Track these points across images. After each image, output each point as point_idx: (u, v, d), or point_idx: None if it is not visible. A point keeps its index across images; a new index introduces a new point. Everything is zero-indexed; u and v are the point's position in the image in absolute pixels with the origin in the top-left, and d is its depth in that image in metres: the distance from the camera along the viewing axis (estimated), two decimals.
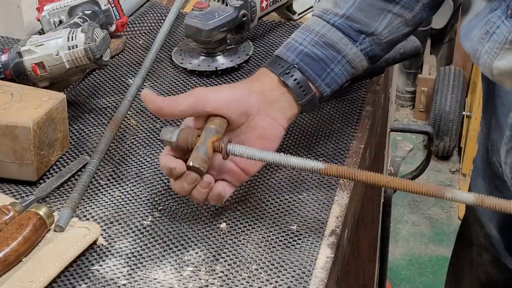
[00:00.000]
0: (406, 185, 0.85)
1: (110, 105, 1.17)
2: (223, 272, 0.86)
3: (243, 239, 0.91)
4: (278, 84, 0.97)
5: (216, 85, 1.21)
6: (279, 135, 0.96)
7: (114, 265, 0.87)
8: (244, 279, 0.85)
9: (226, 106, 0.92)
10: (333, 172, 0.87)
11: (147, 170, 1.02)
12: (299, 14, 1.40)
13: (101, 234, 0.91)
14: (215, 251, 0.89)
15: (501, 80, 0.97)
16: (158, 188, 0.99)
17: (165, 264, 0.87)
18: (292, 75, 0.97)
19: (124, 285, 0.84)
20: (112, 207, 0.96)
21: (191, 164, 0.88)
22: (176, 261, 0.88)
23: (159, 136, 0.94)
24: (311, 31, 1.00)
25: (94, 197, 0.98)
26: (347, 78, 1.01)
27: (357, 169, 0.87)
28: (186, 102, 0.92)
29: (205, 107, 0.91)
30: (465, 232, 1.46)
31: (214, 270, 0.86)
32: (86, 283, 0.85)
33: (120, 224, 0.93)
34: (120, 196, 0.98)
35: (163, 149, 1.06)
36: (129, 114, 1.14)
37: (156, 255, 0.89)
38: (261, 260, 0.87)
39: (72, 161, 1.03)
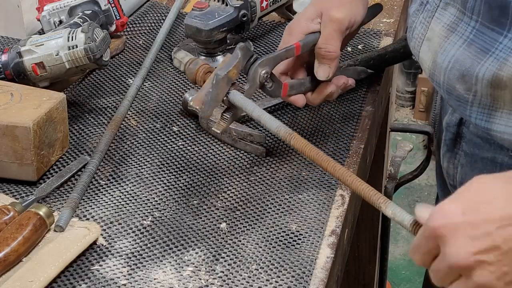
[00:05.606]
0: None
1: (110, 105, 1.17)
2: (223, 272, 0.86)
3: (243, 239, 0.91)
4: None
5: None
6: None
7: (114, 265, 0.87)
8: (244, 279, 0.85)
9: None
10: (294, 143, 0.89)
11: (147, 170, 1.02)
12: None
13: (101, 234, 0.91)
14: (215, 251, 0.89)
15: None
16: (158, 188, 0.99)
17: (165, 264, 0.87)
18: None
19: (124, 285, 0.84)
20: (112, 207, 0.96)
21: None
22: (176, 261, 0.88)
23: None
24: None
25: (94, 197, 0.98)
26: None
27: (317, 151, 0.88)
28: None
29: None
30: None
31: (214, 270, 0.86)
32: (86, 283, 0.85)
33: (120, 224, 0.93)
34: (120, 196, 0.98)
35: (162, 149, 1.06)
36: (129, 114, 1.14)
37: (156, 255, 0.89)
38: (261, 260, 0.87)
39: (72, 161, 1.03)
